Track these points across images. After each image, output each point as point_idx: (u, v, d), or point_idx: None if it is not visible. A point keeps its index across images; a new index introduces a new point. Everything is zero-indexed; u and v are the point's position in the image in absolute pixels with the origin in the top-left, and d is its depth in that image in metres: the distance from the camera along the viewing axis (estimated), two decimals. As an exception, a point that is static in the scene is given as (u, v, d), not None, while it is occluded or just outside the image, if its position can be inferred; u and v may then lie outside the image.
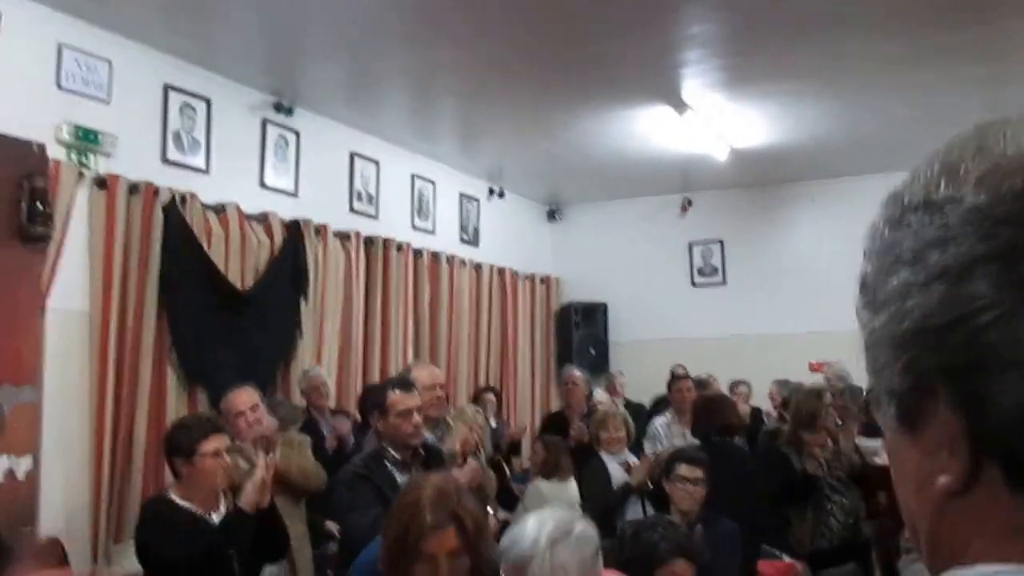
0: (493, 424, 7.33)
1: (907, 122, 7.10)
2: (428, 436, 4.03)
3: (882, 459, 6.14)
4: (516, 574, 2.35)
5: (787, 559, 4.64)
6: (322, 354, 6.60)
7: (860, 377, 7.53)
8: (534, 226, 10.38)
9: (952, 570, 0.58)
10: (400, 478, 3.55)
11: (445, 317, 8.30)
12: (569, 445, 5.60)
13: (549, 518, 2.43)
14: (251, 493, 3.23)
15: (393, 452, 3.63)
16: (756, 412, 7.68)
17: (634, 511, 4.67)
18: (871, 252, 0.65)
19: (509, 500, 5.45)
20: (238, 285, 5.84)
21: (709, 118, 7.09)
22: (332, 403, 6.22)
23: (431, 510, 2.42)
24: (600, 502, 4.73)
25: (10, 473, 4.01)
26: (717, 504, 4.05)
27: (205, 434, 3.31)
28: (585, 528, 2.44)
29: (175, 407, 5.25)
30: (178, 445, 3.32)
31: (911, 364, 0.59)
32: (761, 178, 9.34)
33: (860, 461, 5.10)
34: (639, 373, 8.73)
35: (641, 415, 6.74)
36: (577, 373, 6.68)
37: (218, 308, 5.65)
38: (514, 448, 7.15)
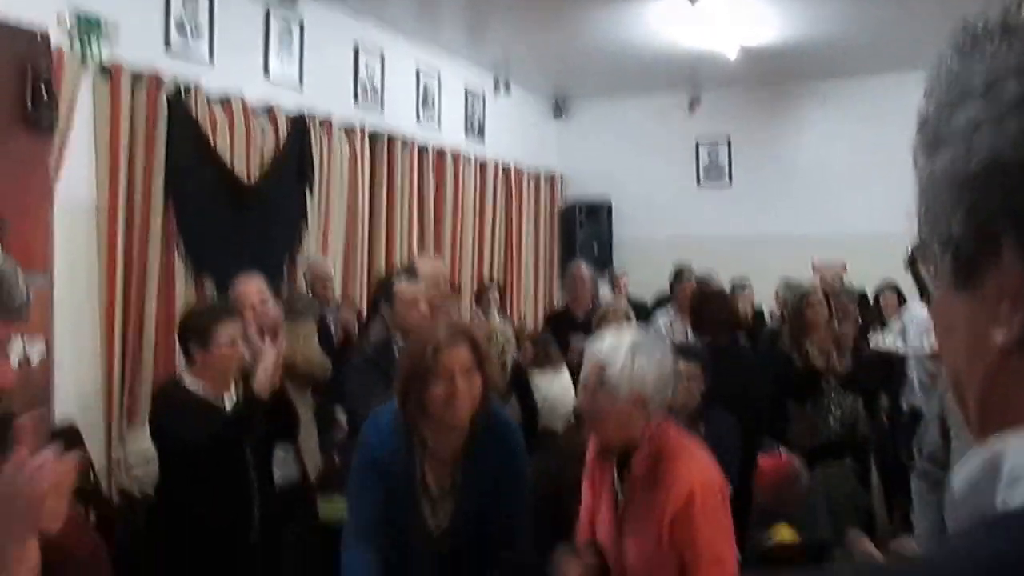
0: (496, 319, 7.43)
1: (924, 18, 6.95)
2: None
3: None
4: (596, 376, 2.43)
5: (784, 454, 4.75)
6: (327, 248, 6.64)
7: (858, 279, 7.59)
8: (539, 122, 10.29)
9: (1004, 433, 0.55)
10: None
11: (450, 213, 8.31)
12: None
13: (629, 333, 2.57)
14: (263, 377, 3.29)
15: (401, 341, 3.71)
16: (757, 312, 7.75)
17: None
18: (933, 87, 0.59)
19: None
20: (244, 178, 5.84)
21: (720, 13, 6.96)
22: (337, 296, 6.30)
23: (445, 330, 2.58)
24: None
25: (25, 358, 4.10)
26: (718, 401, 4.13)
27: (221, 321, 3.33)
28: (665, 349, 2.56)
29: (183, 296, 5.33)
30: (193, 331, 3.35)
31: (974, 208, 0.54)
32: (771, 77, 9.21)
33: (859, 359, 5.18)
34: (642, 272, 8.77)
35: (643, 313, 6.79)
36: (584, 269, 6.69)
37: (224, 200, 5.67)
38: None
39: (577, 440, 3.07)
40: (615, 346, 2.45)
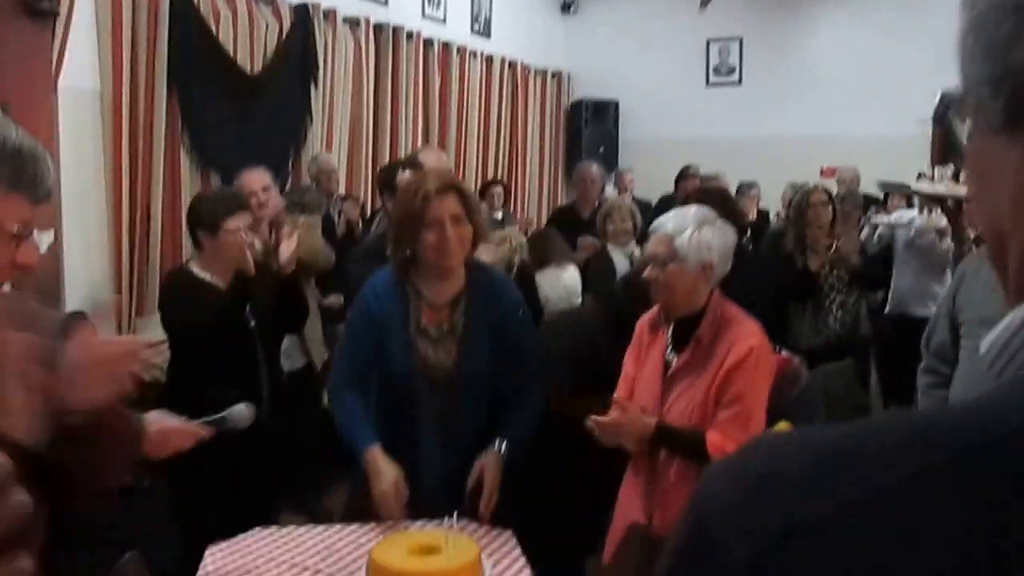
0: (499, 216, 7.43)
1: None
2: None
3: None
4: (665, 246, 2.64)
5: (785, 354, 4.81)
6: (332, 141, 6.61)
7: (867, 182, 7.57)
8: (547, 19, 10.10)
9: None
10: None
11: (455, 109, 8.23)
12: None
13: (695, 208, 2.78)
14: (287, 254, 3.41)
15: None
16: (763, 214, 7.75)
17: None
18: None
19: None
20: (247, 70, 5.78)
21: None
22: (341, 190, 6.31)
23: (433, 180, 2.67)
24: (604, 293, 4.84)
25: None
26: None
27: (230, 210, 3.34)
28: (726, 224, 2.76)
29: (188, 188, 5.33)
30: (203, 218, 3.36)
31: None
32: (785, -26, 9.01)
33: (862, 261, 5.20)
34: (648, 172, 8.74)
35: (648, 212, 6.79)
36: (594, 169, 6.66)
37: (228, 92, 5.62)
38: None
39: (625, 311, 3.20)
40: (682, 219, 2.68)
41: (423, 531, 2.48)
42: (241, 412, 2.74)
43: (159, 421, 2.11)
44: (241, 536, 2.56)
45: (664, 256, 2.64)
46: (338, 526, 2.65)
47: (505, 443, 2.67)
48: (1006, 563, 0.45)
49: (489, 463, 2.64)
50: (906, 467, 0.49)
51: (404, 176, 3.83)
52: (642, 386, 2.74)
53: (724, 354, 2.55)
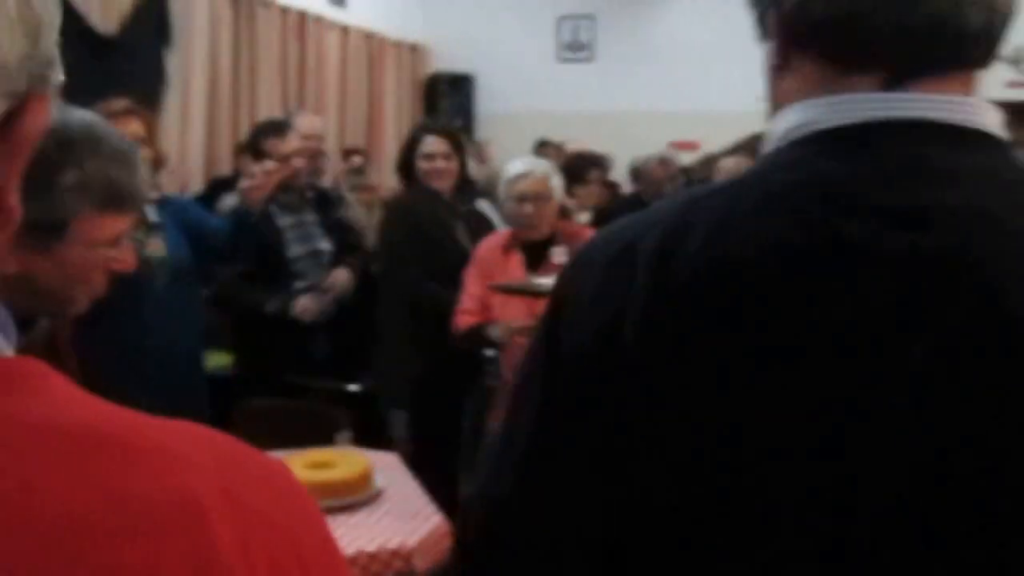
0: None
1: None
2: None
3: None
4: (544, 185, 3.38)
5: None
6: (189, 108, 6.45)
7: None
8: (404, -10, 10.07)
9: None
10: (284, 220, 3.71)
11: (313, 80, 8.15)
12: None
13: (543, 161, 3.79)
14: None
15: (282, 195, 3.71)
16: (612, 186, 8.01)
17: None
18: None
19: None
20: (101, 29, 5.57)
21: None
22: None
23: None
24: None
25: None
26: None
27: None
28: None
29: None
30: None
31: None
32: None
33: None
34: (506, 146, 8.87)
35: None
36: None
37: (80, 53, 5.40)
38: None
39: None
40: (543, 166, 3.55)
41: (317, 450, 2.60)
42: None
43: None
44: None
45: (542, 191, 3.36)
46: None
47: None
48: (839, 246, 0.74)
49: None
50: (747, 199, 0.80)
51: (271, 141, 3.77)
52: (512, 302, 3.20)
53: None
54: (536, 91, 9.88)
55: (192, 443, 0.49)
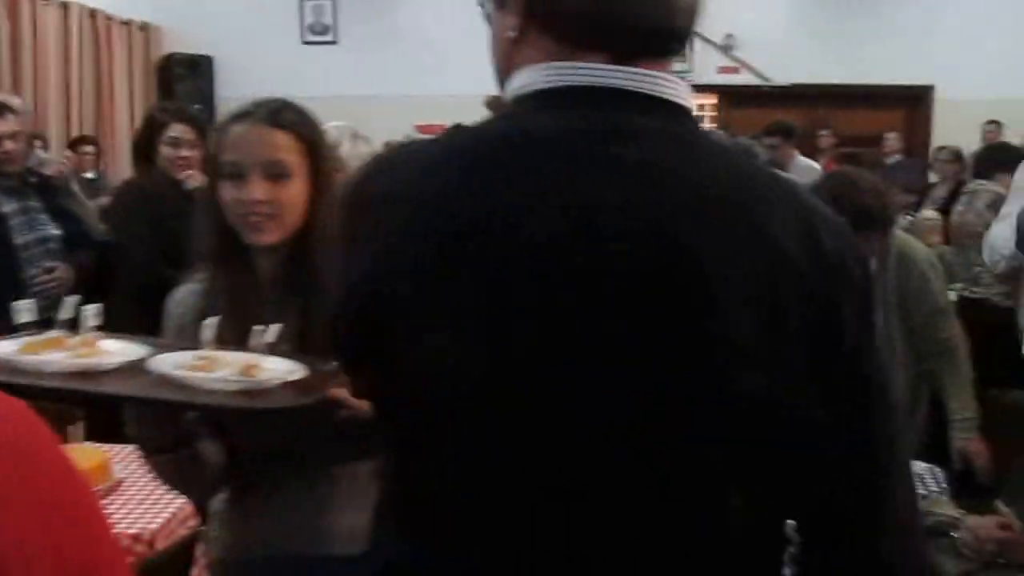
0: (92, 175, 7.01)
1: None
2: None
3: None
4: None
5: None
6: None
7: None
8: (131, -33, 9.50)
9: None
10: (7, 206, 3.43)
11: (29, 60, 7.53)
12: None
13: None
14: None
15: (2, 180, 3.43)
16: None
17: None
18: None
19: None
20: None
21: None
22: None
23: None
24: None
25: None
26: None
27: None
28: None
29: None
30: None
31: None
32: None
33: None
34: (249, 130, 8.60)
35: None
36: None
37: None
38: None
39: None
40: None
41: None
42: None
43: None
44: None
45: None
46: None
47: None
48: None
49: None
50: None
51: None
52: None
53: None
54: (279, 75, 9.60)
55: None
